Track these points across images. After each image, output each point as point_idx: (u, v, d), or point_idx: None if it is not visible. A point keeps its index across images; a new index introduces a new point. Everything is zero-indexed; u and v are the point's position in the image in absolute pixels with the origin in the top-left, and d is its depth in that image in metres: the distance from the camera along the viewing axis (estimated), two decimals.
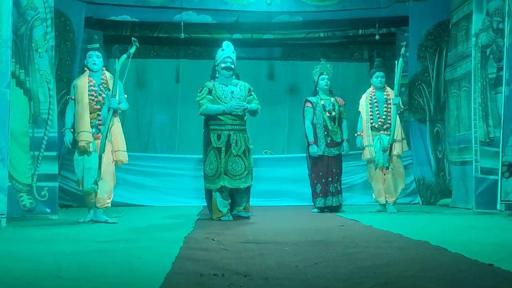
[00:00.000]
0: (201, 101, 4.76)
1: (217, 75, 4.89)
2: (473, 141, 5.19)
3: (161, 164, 6.76)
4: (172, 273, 2.24)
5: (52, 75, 4.90)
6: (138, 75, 7.77)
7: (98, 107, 4.49)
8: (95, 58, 4.58)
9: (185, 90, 7.61)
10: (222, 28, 7.22)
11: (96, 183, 4.36)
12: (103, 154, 4.38)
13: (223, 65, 4.83)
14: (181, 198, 6.59)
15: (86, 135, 4.38)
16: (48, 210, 4.82)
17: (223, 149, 4.71)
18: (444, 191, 6.59)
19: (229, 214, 4.79)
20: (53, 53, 4.94)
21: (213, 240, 3.27)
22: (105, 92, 4.52)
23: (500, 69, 5.06)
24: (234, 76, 4.92)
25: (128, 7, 6.56)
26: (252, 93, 4.92)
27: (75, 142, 4.48)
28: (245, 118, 4.86)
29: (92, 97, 4.47)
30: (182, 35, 6.53)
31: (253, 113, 4.88)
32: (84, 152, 4.42)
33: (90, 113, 4.44)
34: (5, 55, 4.18)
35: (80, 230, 4.06)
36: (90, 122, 4.43)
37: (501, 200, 4.80)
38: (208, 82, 4.88)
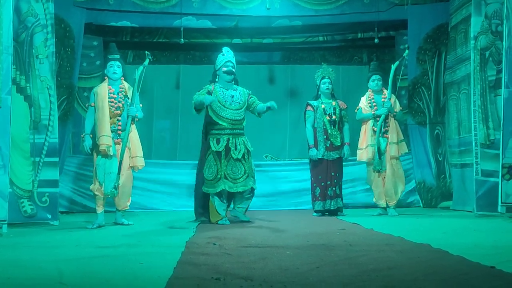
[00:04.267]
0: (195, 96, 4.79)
1: (217, 80, 4.92)
2: (473, 144, 5.19)
3: (161, 169, 6.76)
4: (173, 278, 2.24)
5: (52, 81, 4.92)
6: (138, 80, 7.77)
7: (118, 112, 4.68)
8: (116, 68, 4.78)
9: (186, 95, 7.58)
10: (221, 33, 7.24)
11: (115, 187, 4.52)
12: (122, 160, 4.55)
13: (224, 69, 4.86)
14: (181, 202, 6.58)
15: (106, 139, 4.56)
16: (49, 216, 4.83)
17: (223, 153, 4.74)
18: (445, 193, 6.58)
19: (226, 218, 4.82)
20: (54, 59, 4.96)
21: (214, 244, 3.27)
22: (124, 100, 4.70)
23: (499, 71, 5.06)
24: (234, 82, 4.95)
25: (128, 12, 6.56)
26: (252, 95, 4.99)
27: (94, 147, 4.62)
28: (244, 123, 4.90)
29: (112, 104, 4.65)
30: (182, 40, 6.54)
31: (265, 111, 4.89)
32: (105, 156, 4.57)
33: (110, 118, 4.63)
34: (6, 62, 4.19)
35: (81, 235, 4.06)
36: (110, 127, 4.60)
37: (502, 203, 4.80)
38: (208, 85, 4.91)
